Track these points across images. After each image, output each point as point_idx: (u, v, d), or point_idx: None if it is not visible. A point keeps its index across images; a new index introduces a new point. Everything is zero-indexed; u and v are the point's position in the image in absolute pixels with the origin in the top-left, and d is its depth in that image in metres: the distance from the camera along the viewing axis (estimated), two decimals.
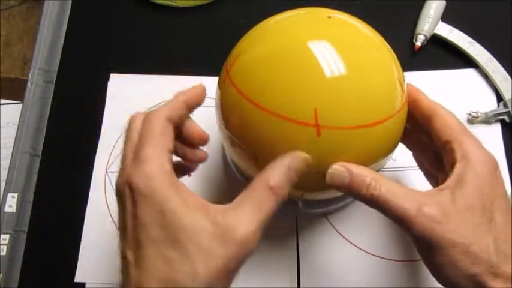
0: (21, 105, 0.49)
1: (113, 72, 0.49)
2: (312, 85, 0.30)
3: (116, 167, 0.46)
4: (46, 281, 0.43)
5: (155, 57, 0.50)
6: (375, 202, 0.29)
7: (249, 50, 0.33)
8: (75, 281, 0.42)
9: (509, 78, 0.46)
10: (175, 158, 0.33)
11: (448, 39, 0.47)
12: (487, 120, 0.45)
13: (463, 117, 0.45)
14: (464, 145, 0.31)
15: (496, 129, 0.45)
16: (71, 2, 0.53)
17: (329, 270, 0.41)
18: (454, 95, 0.46)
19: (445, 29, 0.48)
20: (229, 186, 0.44)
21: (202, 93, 0.33)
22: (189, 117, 0.33)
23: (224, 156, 0.44)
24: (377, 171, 0.34)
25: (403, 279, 0.41)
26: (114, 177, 0.45)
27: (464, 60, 0.47)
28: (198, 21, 0.51)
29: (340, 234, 0.42)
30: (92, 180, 0.45)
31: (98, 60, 0.50)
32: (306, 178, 0.30)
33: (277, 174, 0.29)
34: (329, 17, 0.33)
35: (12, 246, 0.44)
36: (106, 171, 0.46)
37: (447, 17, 0.48)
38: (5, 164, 0.50)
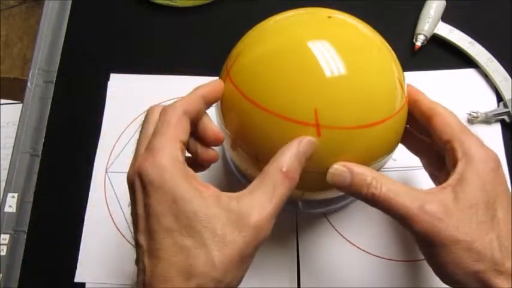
0: (21, 105, 0.49)
1: (113, 72, 0.49)
2: (312, 85, 0.30)
3: (116, 167, 0.46)
4: (46, 281, 0.43)
5: (155, 57, 0.50)
6: (376, 201, 0.29)
7: (249, 50, 0.33)
8: (75, 281, 0.42)
9: (509, 78, 0.46)
10: (186, 154, 0.32)
11: (448, 39, 0.47)
12: (487, 120, 0.45)
13: (463, 117, 0.45)
14: (465, 144, 0.31)
15: (496, 129, 0.45)
16: (71, 2, 0.53)
17: (329, 270, 0.41)
18: (454, 95, 0.46)
19: (445, 29, 0.48)
20: (229, 186, 0.44)
21: (220, 87, 0.33)
22: (206, 114, 0.33)
23: (224, 156, 0.44)
24: (377, 171, 0.34)
25: (403, 279, 0.41)
26: (114, 177, 0.45)
27: (464, 60, 0.47)
28: (198, 21, 0.51)
29: (340, 234, 0.42)
30: (92, 180, 0.45)
31: (98, 60, 0.50)
32: (306, 178, 0.30)
33: (289, 159, 0.29)
34: (329, 17, 0.33)
35: (12, 246, 0.44)
36: (106, 171, 0.46)
37: (447, 17, 0.48)
38: (5, 164, 0.50)
